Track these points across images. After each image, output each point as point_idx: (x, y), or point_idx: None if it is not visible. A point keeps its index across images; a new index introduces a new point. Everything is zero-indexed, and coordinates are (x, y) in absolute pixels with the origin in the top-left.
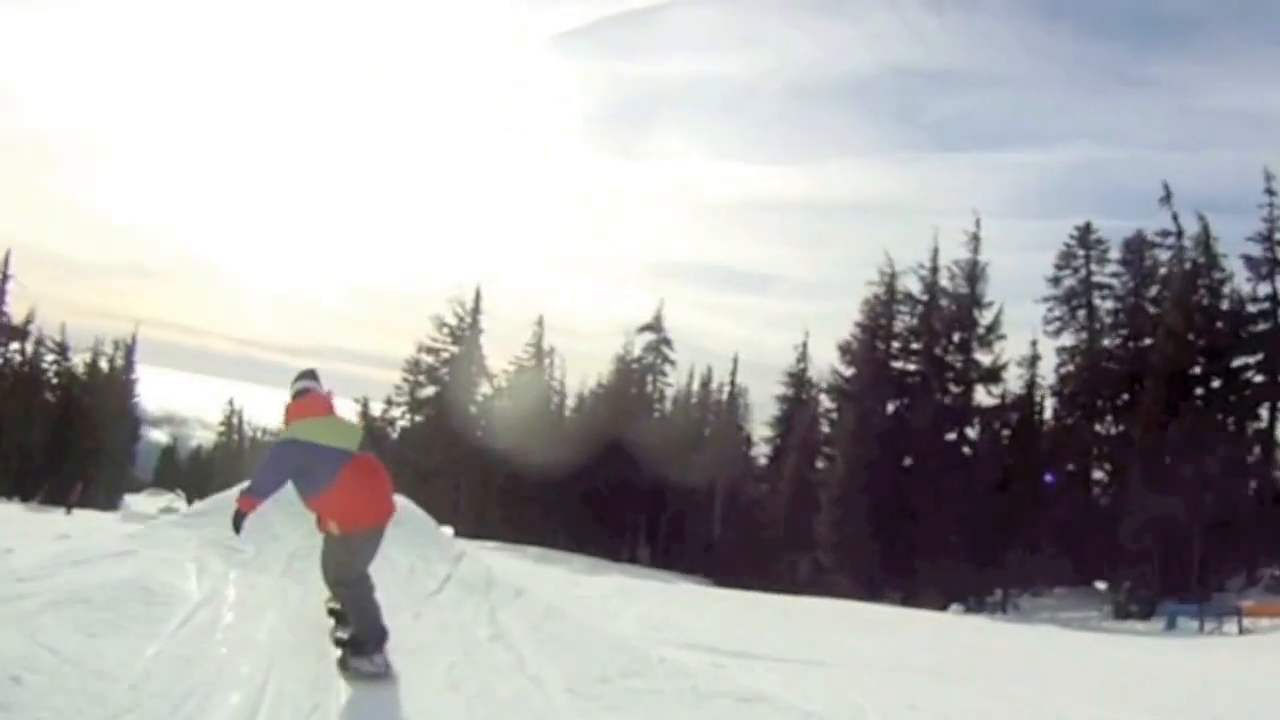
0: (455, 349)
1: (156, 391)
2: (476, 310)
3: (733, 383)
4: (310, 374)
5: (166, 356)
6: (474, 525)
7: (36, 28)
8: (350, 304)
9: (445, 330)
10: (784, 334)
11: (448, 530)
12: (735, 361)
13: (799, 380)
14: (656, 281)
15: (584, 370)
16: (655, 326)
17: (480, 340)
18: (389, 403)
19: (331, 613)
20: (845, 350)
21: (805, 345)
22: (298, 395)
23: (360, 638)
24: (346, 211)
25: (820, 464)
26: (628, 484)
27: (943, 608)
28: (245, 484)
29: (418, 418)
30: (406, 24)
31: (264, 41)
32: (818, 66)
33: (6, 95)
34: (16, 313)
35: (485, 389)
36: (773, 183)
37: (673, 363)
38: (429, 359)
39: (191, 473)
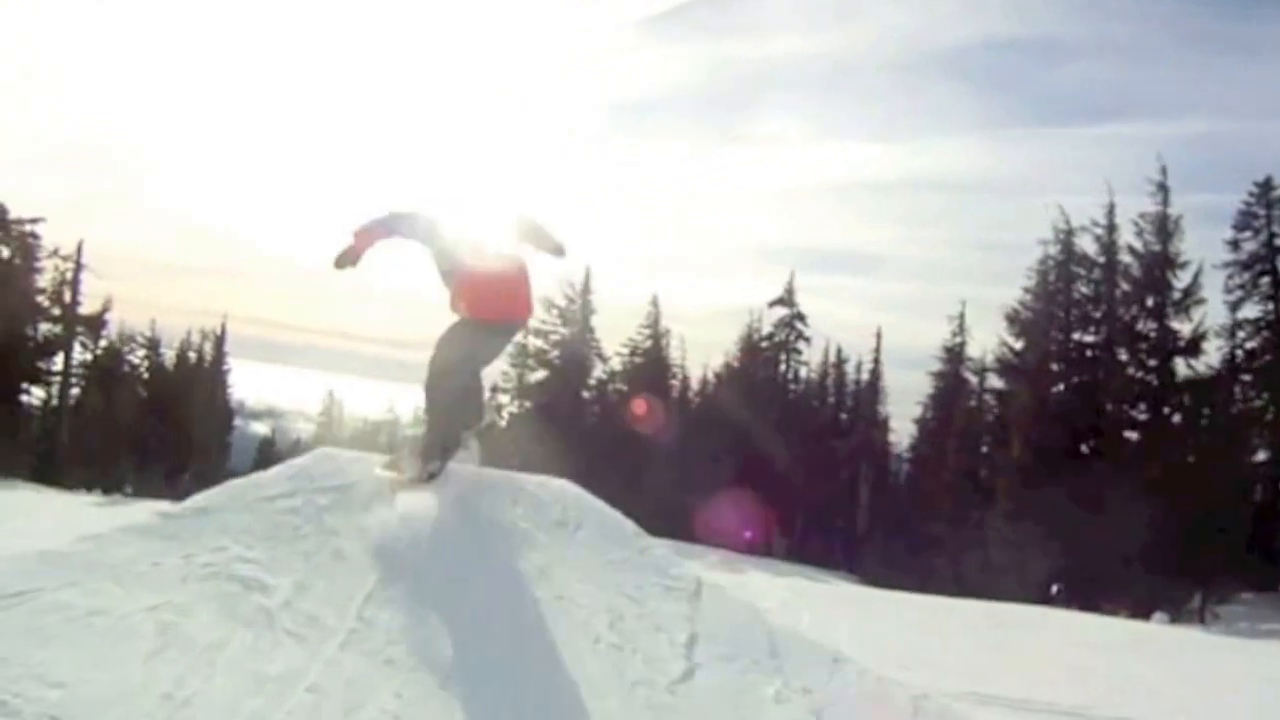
0: (565, 331)
1: (258, 386)
2: (587, 289)
3: (876, 361)
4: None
5: (268, 352)
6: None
7: (120, 35)
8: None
9: (554, 312)
10: (895, 316)
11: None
12: (879, 338)
13: (956, 356)
14: (761, 265)
15: (695, 358)
16: (787, 300)
17: (591, 321)
18: (495, 390)
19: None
20: (1014, 320)
21: (963, 317)
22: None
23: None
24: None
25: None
26: (760, 471)
27: (1140, 616)
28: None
29: (527, 404)
30: (496, 13)
31: (357, 35)
32: (917, 40)
33: (90, 101)
34: (91, 305)
35: (598, 372)
36: (876, 161)
37: (807, 339)
38: (538, 343)
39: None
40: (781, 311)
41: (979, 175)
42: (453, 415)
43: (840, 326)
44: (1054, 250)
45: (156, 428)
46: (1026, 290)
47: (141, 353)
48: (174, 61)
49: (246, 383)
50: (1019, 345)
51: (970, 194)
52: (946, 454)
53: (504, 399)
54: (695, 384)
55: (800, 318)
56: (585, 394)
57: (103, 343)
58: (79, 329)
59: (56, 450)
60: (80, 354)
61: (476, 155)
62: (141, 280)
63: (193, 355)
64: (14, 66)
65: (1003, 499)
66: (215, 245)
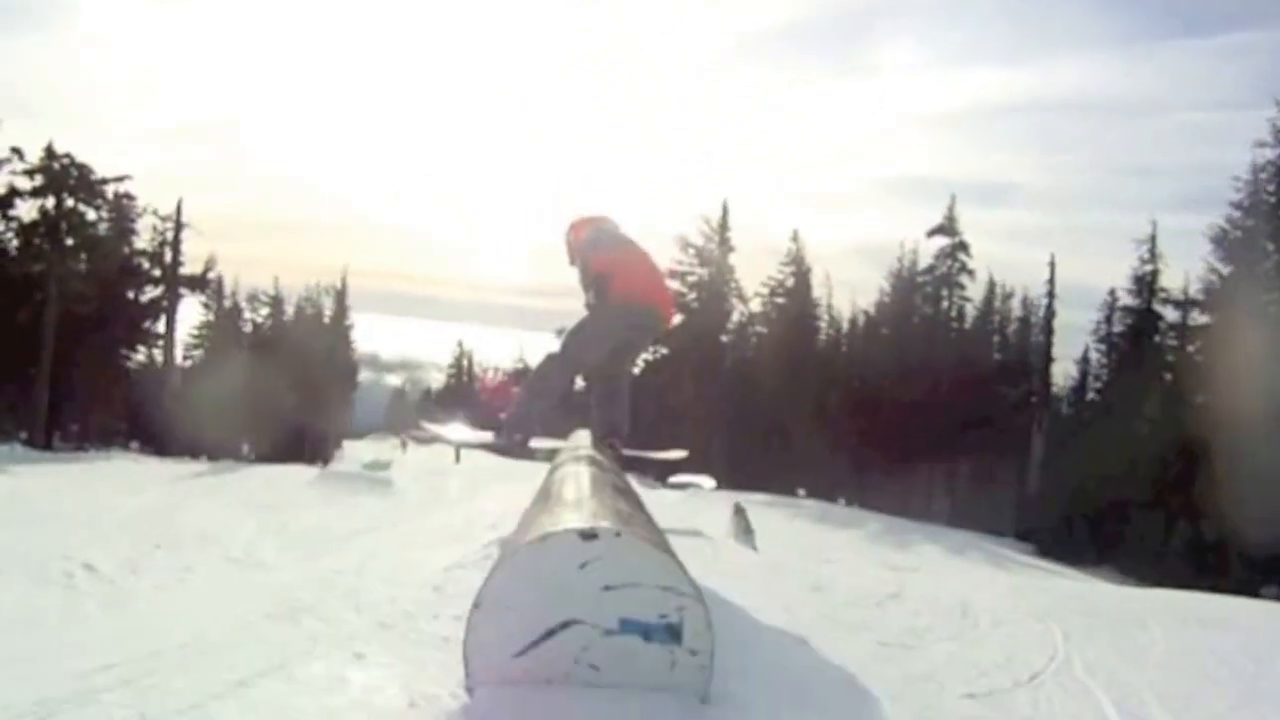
0: (702, 271)
1: (392, 338)
2: (724, 226)
3: (1050, 295)
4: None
5: (401, 305)
6: (730, 471)
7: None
8: None
9: (691, 251)
10: (1028, 248)
11: (709, 482)
12: (1052, 268)
13: (1148, 288)
14: (887, 198)
15: (840, 298)
16: (948, 229)
17: (730, 260)
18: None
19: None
20: (1220, 242)
21: (1154, 240)
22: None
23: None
24: (575, 150)
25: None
26: (918, 423)
27: None
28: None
29: (662, 350)
30: None
31: None
32: None
33: (210, 80)
34: (195, 265)
35: (738, 314)
36: (998, 87)
37: (970, 273)
38: (673, 284)
39: (421, 414)
40: (941, 241)
41: (1109, 93)
42: (549, 394)
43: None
44: (1272, 154)
45: (276, 387)
46: (1234, 205)
47: (265, 311)
48: (287, 33)
49: (380, 336)
50: (1225, 270)
51: (1102, 115)
52: (1136, 403)
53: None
54: (843, 325)
55: (963, 247)
56: (724, 338)
57: (224, 303)
58: (181, 289)
59: (163, 416)
60: (203, 315)
61: (608, 95)
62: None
63: (314, 311)
64: (141, 47)
65: (1219, 460)
66: (342, 205)
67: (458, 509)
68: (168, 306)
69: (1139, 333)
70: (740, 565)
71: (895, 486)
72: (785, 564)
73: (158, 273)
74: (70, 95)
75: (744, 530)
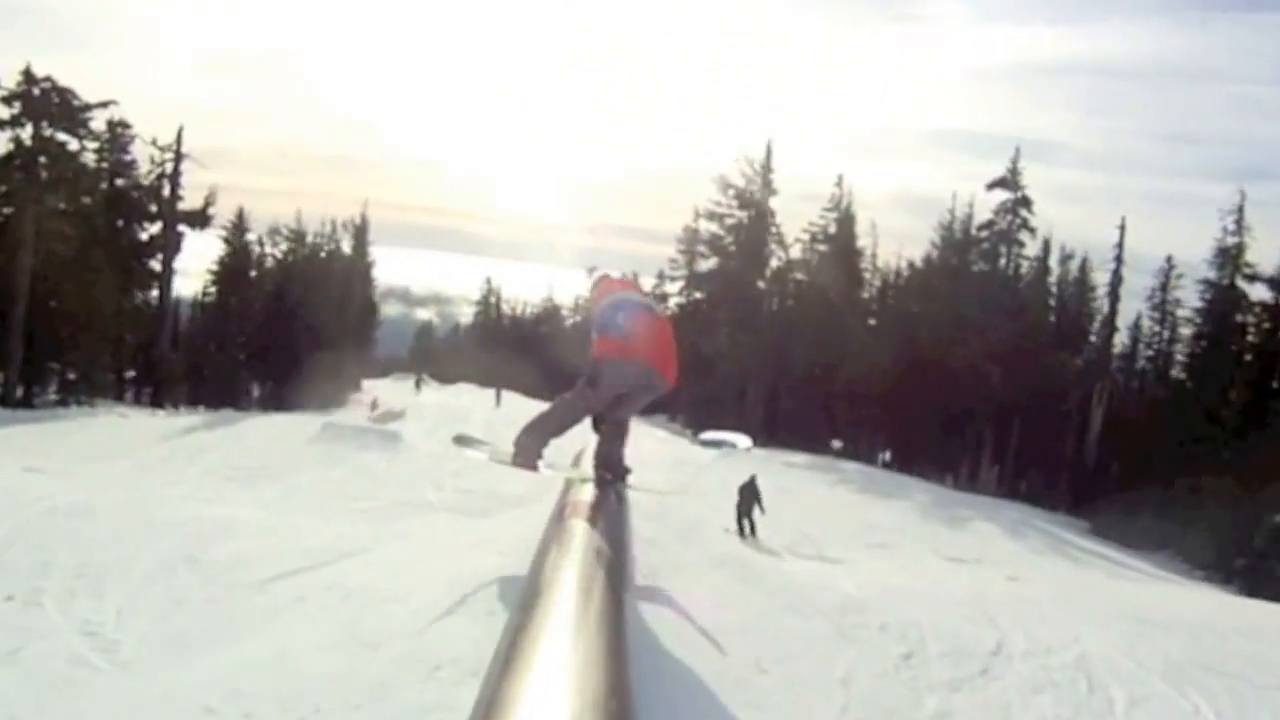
0: (742, 214)
1: (425, 272)
2: (768, 168)
3: (1118, 260)
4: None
5: (435, 239)
6: (766, 424)
7: None
8: (622, 180)
9: (730, 193)
10: (1071, 208)
11: (745, 441)
12: (1122, 230)
13: (1232, 261)
14: (931, 150)
15: (884, 248)
16: (1010, 183)
17: (772, 203)
18: (661, 277)
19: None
20: None
21: (1241, 211)
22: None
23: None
24: (617, 91)
25: None
26: (969, 384)
27: None
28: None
29: (696, 294)
30: None
31: None
32: None
33: (241, 13)
34: (194, 198)
35: (777, 261)
36: (1049, 45)
37: (1032, 230)
38: (712, 226)
39: (448, 350)
40: (1002, 195)
41: (1160, 61)
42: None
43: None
44: None
45: (289, 327)
46: None
47: (285, 247)
48: None
49: (412, 270)
50: None
51: (1150, 80)
52: (1218, 383)
53: (671, 289)
54: (889, 276)
55: (1025, 203)
56: (762, 284)
57: (244, 239)
58: (180, 225)
59: (161, 363)
60: (221, 252)
61: (648, 30)
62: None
63: (332, 246)
64: None
65: None
66: (374, 139)
67: (472, 488)
68: (165, 243)
69: (1222, 309)
70: (812, 605)
71: (941, 449)
72: (860, 604)
73: (155, 208)
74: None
75: (751, 512)
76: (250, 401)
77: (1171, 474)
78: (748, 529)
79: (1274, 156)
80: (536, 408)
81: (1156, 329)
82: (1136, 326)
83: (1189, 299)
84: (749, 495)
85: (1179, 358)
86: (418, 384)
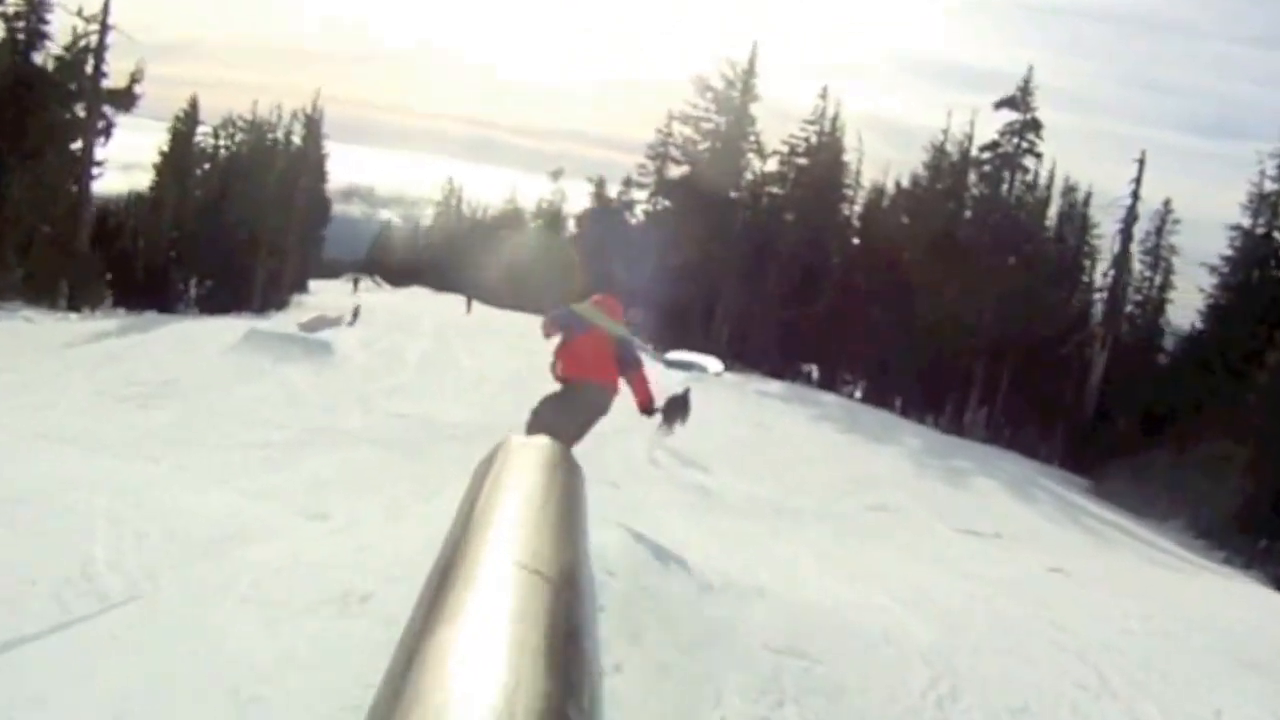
0: (719, 119)
1: (389, 173)
2: (751, 72)
3: (1134, 197)
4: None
5: (397, 138)
6: (734, 343)
7: None
8: (591, 88)
9: (709, 96)
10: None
11: (715, 364)
12: (1141, 164)
13: (1270, 209)
14: (904, 78)
15: (867, 173)
16: (1019, 102)
17: (752, 109)
18: (628, 184)
19: None
20: None
21: None
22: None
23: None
24: None
25: None
26: (958, 318)
27: None
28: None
29: (665, 203)
30: None
31: None
32: None
33: None
34: (119, 74)
35: (752, 174)
36: None
37: (1039, 156)
38: (686, 130)
39: (407, 253)
40: (1009, 116)
41: (1136, 9)
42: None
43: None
44: None
45: (228, 223)
46: None
47: (239, 139)
48: None
49: (377, 169)
50: None
51: (1126, 28)
52: (1245, 339)
53: (638, 195)
54: (873, 197)
55: (1034, 126)
56: (736, 195)
57: (195, 129)
58: (105, 107)
59: (77, 261)
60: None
61: None
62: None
63: (281, 139)
64: None
65: None
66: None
67: (406, 412)
68: (86, 126)
69: (1258, 260)
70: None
71: (926, 385)
72: (943, 659)
73: (75, 87)
74: None
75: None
76: (186, 304)
77: (1184, 434)
78: (667, 432)
79: (1245, 113)
80: (505, 316)
81: (1148, 274)
82: (1126, 270)
83: (1183, 244)
84: (678, 405)
85: (1174, 303)
86: (355, 284)
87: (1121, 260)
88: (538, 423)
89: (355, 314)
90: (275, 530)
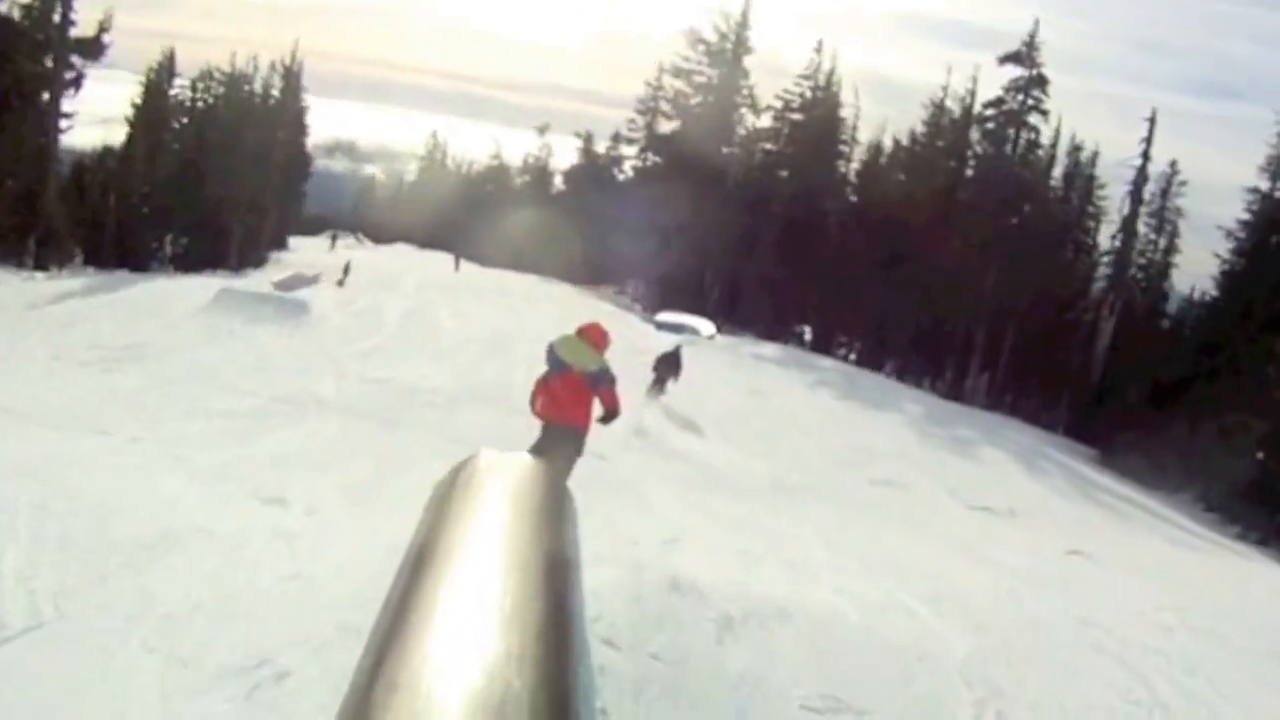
0: (712, 72)
1: (373, 128)
2: (744, 24)
3: (1145, 158)
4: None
5: (382, 93)
6: (725, 303)
7: None
8: (578, 42)
9: (700, 49)
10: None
11: (707, 326)
12: (1152, 123)
13: None
14: (901, 34)
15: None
16: (1025, 57)
17: (745, 63)
18: (617, 139)
19: None
20: None
21: None
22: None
23: None
24: None
25: None
26: (959, 281)
27: None
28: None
29: (654, 159)
30: None
31: None
32: None
33: None
34: (88, 21)
35: (744, 130)
36: None
37: (1045, 113)
38: (677, 83)
39: (391, 209)
40: (1014, 72)
41: None
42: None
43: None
44: None
45: (202, 176)
46: None
47: (216, 91)
48: None
49: (360, 123)
50: None
51: None
52: (1254, 304)
53: (627, 151)
54: (868, 154)
55: (1041, 82)
56: (727, 150)
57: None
58: (72, 56)
59: (44, 215)
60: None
61: None
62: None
63: (259, 92)
64: None
65: None
66: None
67: (383, 377)
68: (53, 76)
69: (1277, 225)
70: None
71: (924, 349)
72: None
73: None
74: None
75: (667, 379)
76: (161, 262)
77: (1197, 405)
78: (656, 390)
79: (1243, 75)
80: (494, 275)
81: (1152, 237)
82: (1132, 233)
83: (1190, 207)
84: (670, 365)
85: (1178, 267)
86: (333, 241)
87: (1131, 223)
88: None
89: (346, 271)
90: (218, 529)
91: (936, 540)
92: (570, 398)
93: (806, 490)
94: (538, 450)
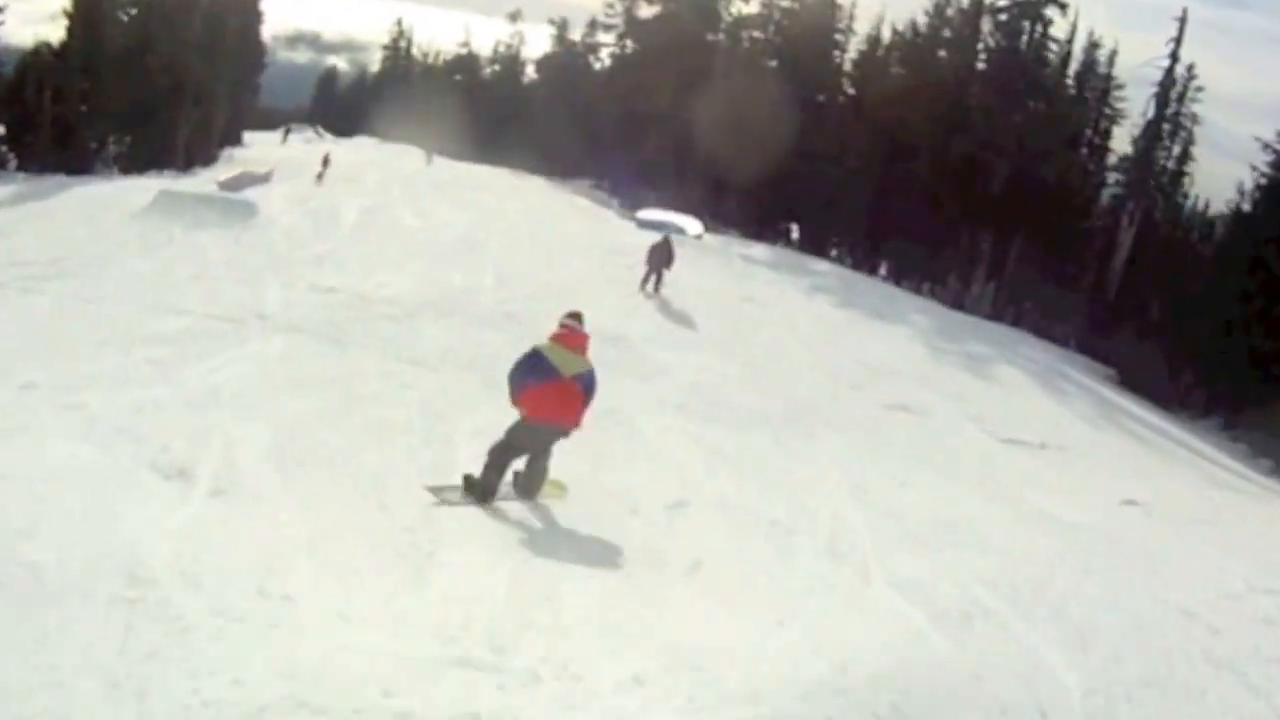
0: None
1: (333, 15)
2: None
3: (1173, 58)
4: (577, 316)
5: None
6: (708, 200)
7: None
8: None
9: None
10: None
11: (695, 225)
12: (1182, 23)
13: None
14: None
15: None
16: None
17: None
18: (594, 26)
19: (466, 480)
20: None
21: None
22: (563, 326)
23: (470, 485)
24: None
25: None
26: (965, 179)
27: None
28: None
29: (633, 46)
30: None
31: None
32: None
33: None
34: None
35: (729, 15)
36: None
37: (1064, 6)
38: None
39: (353, 101)
40: None
41: None
42: (496, 475)
43: None
44: None
45: (145, 68)
46: None
47: None
48: None
49: (324, 13)
50: None
51: None
52: None
53: (605, 38)
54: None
55: None
56: (712, 38)
57: None
58: None
59: None
60: None
61: None
62: None
63: None
64: None
65: None
66: None
67: (335, 285)
68: None
69: None
70: None
71: (926, 254)
72: None
73: None
74: None
75: (660, 270)
76: (104, 164)
77: (1224, 326)
78: (651, 284)
79: None
80: (463, 169)
81: (1166, 143)
82: (1150, 136)
83: (1206, 114)
84: (662, 254)
85: (1190, 176)
86: (285, 134)
87: (1155, 127)
88: (491, 468)
89: (326, 164)
90: (68, 561)
91: (972, 485)
92: (568, 403)
93: (816, 418)
94: (533, 453)
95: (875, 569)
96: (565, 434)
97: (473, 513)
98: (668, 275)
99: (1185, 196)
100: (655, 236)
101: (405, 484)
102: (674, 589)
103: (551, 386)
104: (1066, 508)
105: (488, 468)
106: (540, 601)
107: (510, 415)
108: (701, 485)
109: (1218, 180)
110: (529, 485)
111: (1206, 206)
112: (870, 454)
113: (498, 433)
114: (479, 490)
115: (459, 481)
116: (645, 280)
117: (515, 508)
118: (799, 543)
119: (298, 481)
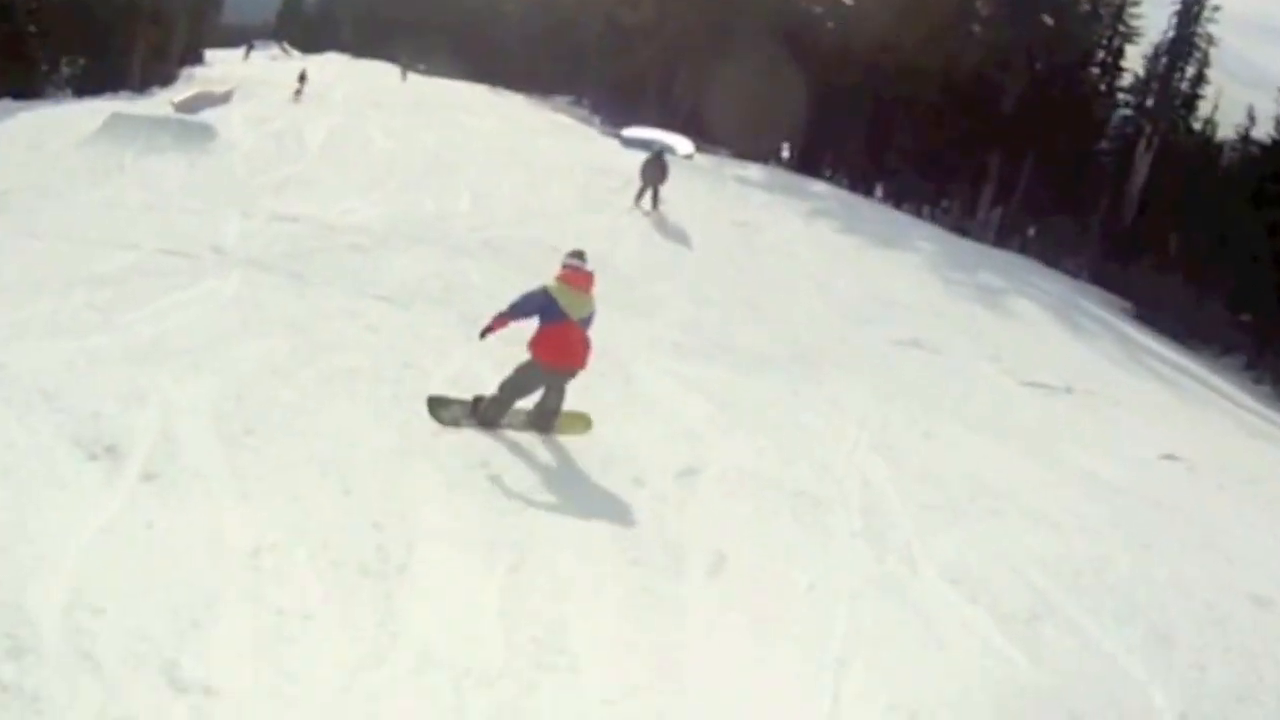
0: None
1: None
2: None
3: None
4: (580, 254)
5: None
6: (694, 119)
7: None
8: None
9: None
10: None
11: (685, 145)
12: None
13: None
14: None
15: None
16: None
17: None
18: None
19: (476, 401)
20: None
21: None
22: (567, 265)
23: (478, 409)
24: None
25: None
26: (973, 97)
27: None
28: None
29: None
30: None
31: None
32: None
33: None
34: None
35: None
36: None
37: None
38: None
39: (323, 14)
40: None
41: None
42: (504, 408)
43: None
44: None
45: None
46: None
47: None
48: None
49: None
50: None
51: None
52: None
53: None
54: None
55: None
56: None
57: None
58: None
59: None
60: None
61: None
62: None
63: None
64: None
65: None
66: None
67: (298, 213)
68: None
69: None
70: None
71: (929, 175)
72: None
73: None
74: None
75: (655, 185)
76: (57, 86)
77: (1247, 260)
78: (648, 200)
79: None
80: (438, 85)
81: (1179, 63)
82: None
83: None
84: (655, 170)
85: (1205, 99)
86: (248, 51)
87: (1179, 45)
88: (500, 403)
89: (303, 79)
90: None
91: (1000, 436)
92: (576, 346)
93: (826, 358)
94: (543, 393)
95: (920, 554)
96: (573, 375)
97: (458, 480)
98: (663, 191)
99: (1199, 121)
100: (643, 155)
101: (372, 457)
102: (699, 603)
103: (561, 329)
104: (1105, 463)
105: (497, 401)
106: (544, 652)
107: (489, 359)
108: (710, 445)
109: (1234, 105)
110: (541, 420)
111: (1215, 130)
112: (887, 401)
113: (477, 384)
114: (485, 417)
115: (467, 397)
116: (640, 196)
117: (511, 467)
118: (831, 521)
119: (243, 458)
